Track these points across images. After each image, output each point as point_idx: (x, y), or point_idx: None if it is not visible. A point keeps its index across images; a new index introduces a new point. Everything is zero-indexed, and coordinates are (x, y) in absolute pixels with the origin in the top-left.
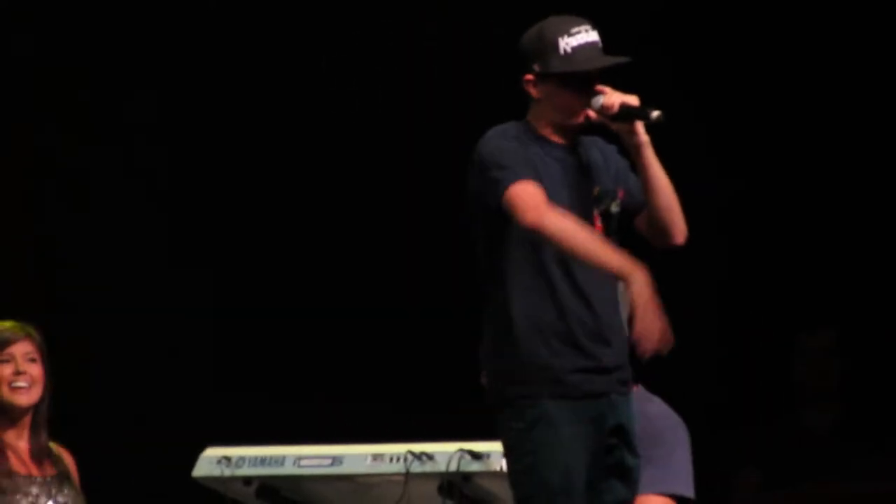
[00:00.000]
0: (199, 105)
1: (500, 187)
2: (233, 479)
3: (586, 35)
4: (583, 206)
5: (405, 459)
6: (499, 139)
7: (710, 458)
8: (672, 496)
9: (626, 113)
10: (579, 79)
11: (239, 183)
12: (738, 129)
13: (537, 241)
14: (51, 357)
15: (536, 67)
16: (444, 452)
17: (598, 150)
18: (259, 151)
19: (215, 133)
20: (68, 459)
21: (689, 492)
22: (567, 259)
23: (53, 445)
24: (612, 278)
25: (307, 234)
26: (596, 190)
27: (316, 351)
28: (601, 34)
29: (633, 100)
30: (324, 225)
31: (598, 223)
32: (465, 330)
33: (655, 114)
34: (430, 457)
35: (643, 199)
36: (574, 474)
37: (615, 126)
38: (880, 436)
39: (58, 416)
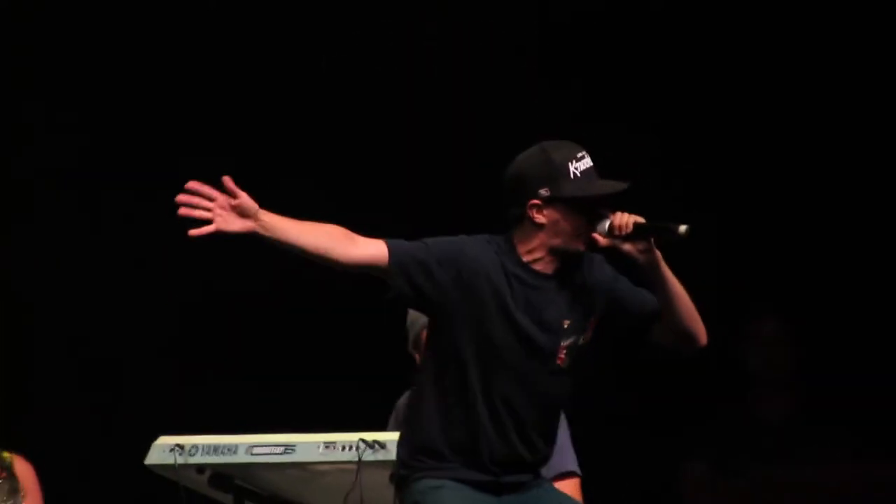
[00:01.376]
0: (198, 106)
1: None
2: (185, 467)
3: (587, 160)
4: (549, 335)
5: (357, 448)
6: (458, 244)
7: (661, 449)
8: (564, 475)
9: (643, 230)
10: (592, 203)
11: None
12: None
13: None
14: None
15: (544, 192)
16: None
17: (584, 279)
18: (259, 151)
19: (215, 134)
20: (22, 470)
21: (576, 467)
22: (489, 381)
23: (8, 455)
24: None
25: None
26: (566, 323)
27: (272, 338)
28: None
29: (640, 219)
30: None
31: (562, 354)
32: None
33: (683, 228)
34: (382, 445)
35: (648, 311)
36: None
37: (626, 247)
38: (832, 424)
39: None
